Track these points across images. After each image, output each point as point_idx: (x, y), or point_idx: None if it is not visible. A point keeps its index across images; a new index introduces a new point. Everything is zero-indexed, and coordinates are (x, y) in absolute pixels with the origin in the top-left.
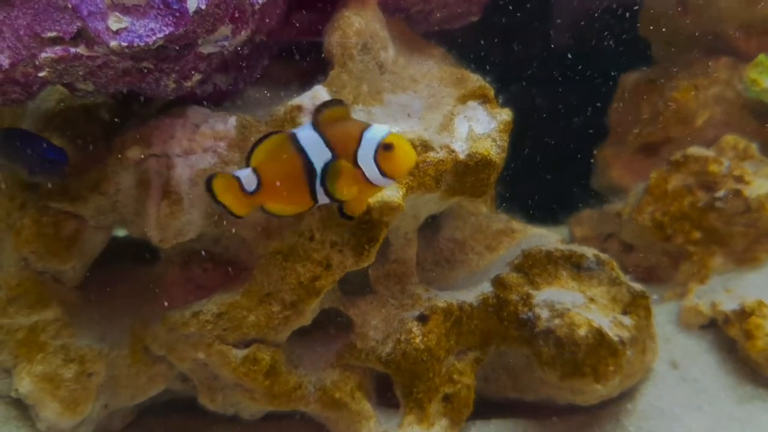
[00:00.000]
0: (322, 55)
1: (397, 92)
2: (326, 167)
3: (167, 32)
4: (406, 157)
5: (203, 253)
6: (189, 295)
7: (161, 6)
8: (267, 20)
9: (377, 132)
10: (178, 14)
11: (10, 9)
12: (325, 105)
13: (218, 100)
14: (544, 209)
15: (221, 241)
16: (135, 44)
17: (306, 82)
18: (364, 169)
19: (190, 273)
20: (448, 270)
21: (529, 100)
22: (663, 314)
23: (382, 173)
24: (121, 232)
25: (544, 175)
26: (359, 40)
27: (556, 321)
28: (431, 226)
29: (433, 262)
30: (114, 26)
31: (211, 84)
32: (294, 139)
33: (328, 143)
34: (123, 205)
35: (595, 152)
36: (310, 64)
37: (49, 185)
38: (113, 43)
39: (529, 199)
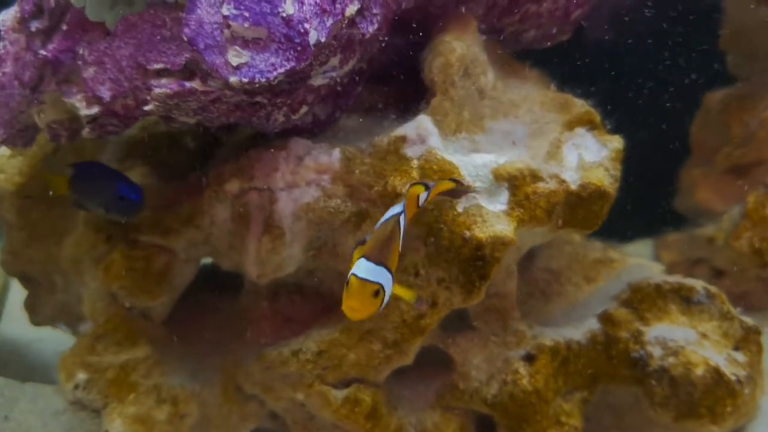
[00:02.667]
0: (413, 80)
1: (498, 118)
2: None
3: (288, 67)
4: (351, 304)
5: (293, 285)
6: (277, 328)
7: (282, 40)
8: (369, 48)
9: (363, 268)
10: (299, 48)
11: (111, 39)
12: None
13: (316, 131)
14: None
15: (316, 274)
16: (256, 80)
17: (400, 108)
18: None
19: (277, 305)
20: (543, 303)
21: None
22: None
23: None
24: None
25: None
26: (461, 66)
27: (671, 359)
28: (524, 255)
29: (526, 294)
30: (234, 61)
31: (311, 114)
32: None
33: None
34: (216, 238)
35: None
36: (396, 89)
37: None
38: (233, 79)
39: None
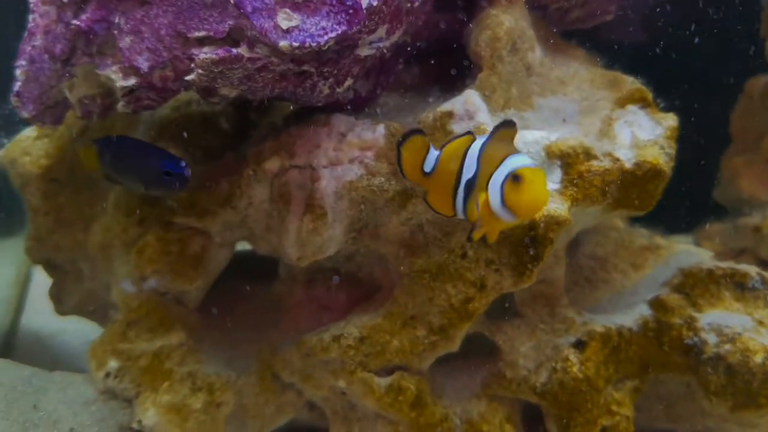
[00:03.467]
0: (454, 57)
1: (547, 95)
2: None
3: (339, 31)
4: (532, 194)
5: (330, 270)
6: (314, 316)
7: (334, 2)
8: (415, 20)
9: (517, 160)
10: (351, 11)
11: (148, 7)
12: (502, 125)
13: (358, 107)
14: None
15: (355, 258)
16: (307, 44)
17: (444, 88)
18: (490, 196)
19: (314, 292)
20: (589, 290)
21: None
22: None
23: (504, 204)
24: None
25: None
26: (509, 40)
27: (727, 347)
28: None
29: (571, 282)
30: (284, 24)
31: (352, 90)
32: (467, 146)
33: (479, 160)
34: (253, 220)
35: (720, 161)
36: (435, 68)
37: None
38: (283, 43)
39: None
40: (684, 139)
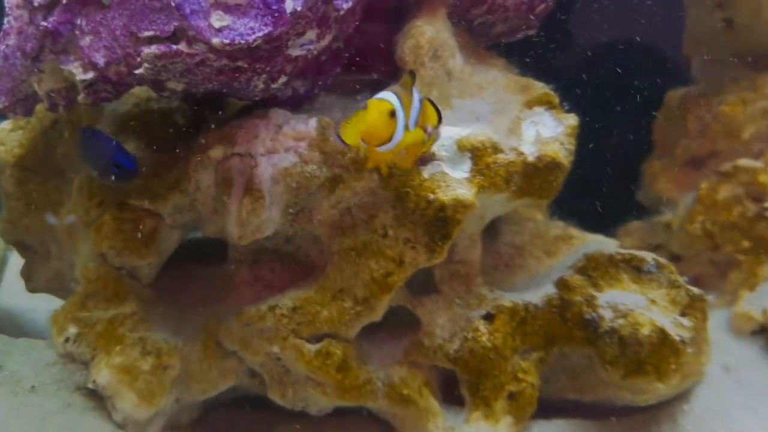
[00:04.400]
0: (388, 64)
1: (465, 98)
2: None
3: (266, 31)
4: (366, 119)
5: (273, 252)
6: (258, 293)
7: (261, 6)
8: (345, 27)
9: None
10: (276, 14)
11: (106, 11)
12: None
13: (296, 104)
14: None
15: (294, 240)
16: (236, 42)
17: (375, 89)
18: None
19: (258, 272)
20: (508, 274)
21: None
22: (713, 321)
23: None
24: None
25: (591, 189)
26: (431, 48)
27: (620, 321)
28: (490, 231)
29: (492, 267)
30: (216, 24)
31: (290, 88)
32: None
33: None
34: (201, 203)
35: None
36: (377, 71)
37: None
38: (215, 40)
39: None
40: (614, 146)
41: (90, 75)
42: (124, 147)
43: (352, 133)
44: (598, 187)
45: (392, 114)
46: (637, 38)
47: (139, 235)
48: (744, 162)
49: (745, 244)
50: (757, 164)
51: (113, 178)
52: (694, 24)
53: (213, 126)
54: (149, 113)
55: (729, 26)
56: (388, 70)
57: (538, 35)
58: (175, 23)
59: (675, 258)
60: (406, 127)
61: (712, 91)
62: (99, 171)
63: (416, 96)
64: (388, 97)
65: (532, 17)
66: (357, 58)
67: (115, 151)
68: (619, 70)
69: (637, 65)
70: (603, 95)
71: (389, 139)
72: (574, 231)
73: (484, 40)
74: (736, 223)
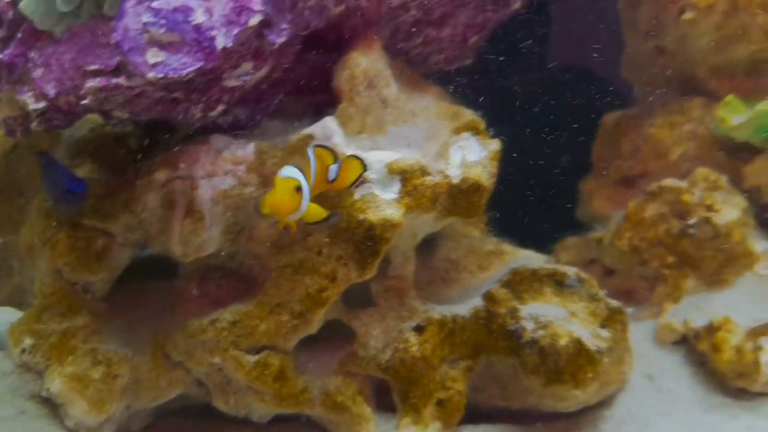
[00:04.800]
0: (332, 91)
1: (399, 124)
2: None
3: (197, 66)
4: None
5: (219, 269)
6: (204, 308)
7: (193, 43)
8: (283, 58)
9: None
10: (207, 51)
11: (57, 45)
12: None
13: (238, 130)
14: (534, 238)
15: (236, 257)
16: (169, 76)
17: (316, 115)
18: None
19: (206, 288)
20: (443, 288)
21: (522, 141)
22: (640, 332)
23: None
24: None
25: (534, 207)
26: (365, 78)
27: (540, 332)
28: (428, 247)
29: (429, 281)
30: (151, 60)
31: (232, 115)
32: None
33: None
34: (149, 223)
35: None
36: (320, 99)
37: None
38: (150, 75)
39: (520, 229)
40: (559, 166)
41: (42, 104)
42: (74, 173)
43: (266, 205)
44: (542, 205)
45: (298, 189)
46: (584, 63)
47: (92, 253)
48: (669, 182)
49: (671, 259)
50: (682, 184)
51: (66, 206)
52: (631, 50)
53: (163, 149)
54: (104, 137)
55: (660, 53)
56: (330, 97)
57: (487, 60)
58: (118, 58)
59: (609, 272)
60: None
61: (645, 114)
62: (51, 198)
63: (312, 158)
64: (292, 173)
65: (466, 48)
66: (301, 85)
67: (65, 177)
68: (568, 95)
69: (584, 89)
70: (552, 118)
71: (297, 209)
72: (507, 246)
73: (422, 69)
74: (661, 239)
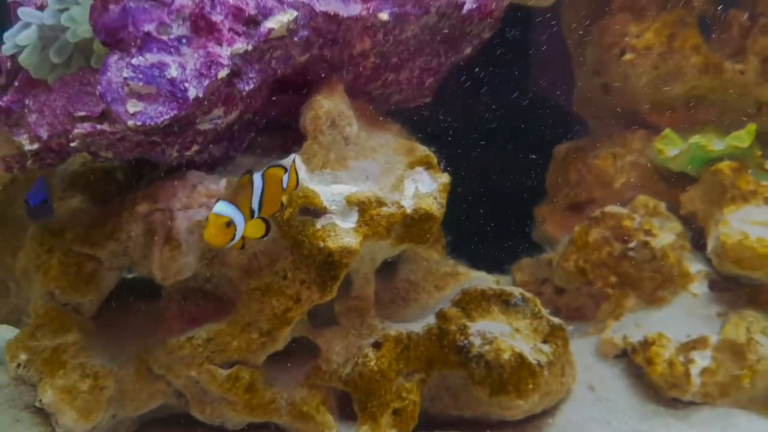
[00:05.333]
0: (299, 128)
1: (359, 159)
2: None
3: (172, 114)
4: (206, 231)
5: (197, 290)
6: (184, 326)
7: (168, 94)
8: (253, 102)
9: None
10: (181, 101)
11: (50, 93)
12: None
13: (212, 166)
14: (494, 259)
15: (211, 281)
16: (147, 123)
17: (286, 151)
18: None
19: (186, 308)
20: (403, 307)
21: (485, 169)
22: (585, 346)
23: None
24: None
25: (493, 230)
26: (328, 118)
27: (486, 347)
28: (390, 269)
29: (390, 300)
30: (131, 110)
31: (207, 153)
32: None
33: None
34: (133, 249)
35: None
36: (290, 136)
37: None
38: (130, 123)
39: (479, 250)
40: (517, 193)
41: (36, 146)
42: (41, 191)
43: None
44: (502, 228)
45: (229, 224)
46: (545, 98)
47: (82, 277)
48: (611, 208)
49: (613, 279)
50: (623, 210)
51: (31, 217)
52: (581, 87)
53: (146, 182)
54: (93, 171)
55: (605, 90)
56: (299, 134)
57: (451, 96)
58: (103, 105)
59: (560, 291)
60: (252, 213)
61: (591, 145)
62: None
63: (257, 184)
64: (222, 210)
65: (424, 89)
66: (271, 124)
67: (32, 193)
68: (528, 130)
69: (544, 123)
70: (512, 148)
71: (229, 241)
72: (462, 268)
73: (384, 107)
74: (604, 261)
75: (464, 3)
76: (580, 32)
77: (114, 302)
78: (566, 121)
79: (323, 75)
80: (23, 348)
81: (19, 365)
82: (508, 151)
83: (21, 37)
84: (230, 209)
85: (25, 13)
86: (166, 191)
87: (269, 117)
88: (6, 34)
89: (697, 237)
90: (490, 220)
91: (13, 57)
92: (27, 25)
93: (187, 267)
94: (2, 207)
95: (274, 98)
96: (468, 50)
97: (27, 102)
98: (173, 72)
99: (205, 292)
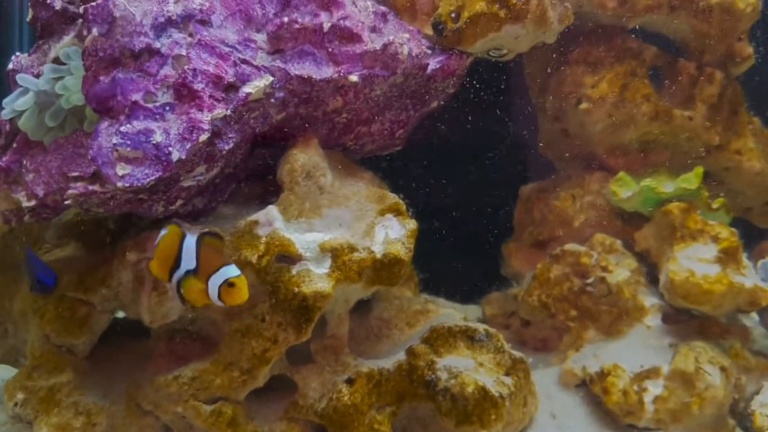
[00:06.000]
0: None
1: (333, 207)
2: (186, 274)
3: (157, 176)
4: (239, 296)
5: (183, 331)
6: (172, 364)
7: (153, 158)
8: (233, 158)
9: (231, 271)
10: (165, 163)
11: (45, 154)
12: (209, 234)
13: (196, 216)
14: (466, 292)
15: (196, 323)
16: (134, 185)
17: (264, 200)
18: (210, 289)
19: (173, 347)
20: (376, 343)
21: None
22: (549, 376)
23: (219, 297)
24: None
25: (465, 265)
26: (303, 170)
27: (452, 381)
28: (364, 307)
29: (365, 337)
30: (120, 172)
31: (191, 205)
32: (182, 238)
33: (198, 257)
34: (123, 295)
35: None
36: (269, 185)
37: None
38: (119, 184)
39: (451, 284)
40: (486, 231)
41: (32, 203)
42: (47, 266)
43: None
44: (473, 264)
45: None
46: (516, 143)
47: (75, 320)
48: (570, 246)
49: (573, 313)
50: (581, 248)
51: (38, 292)
52: (543, 131)
53: (135, 231)
54: (87, 222)
55: (565, 135)
56: (277, 183)
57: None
58: (94, 167)
59: (526, 323)
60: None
61: (552, 187)
62: (30, 284)
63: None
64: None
65: (395, 139)
66: (250, 175)
67: (38, 270)
68: (498, 172)
69: (514, 166)
70: (480, 189)
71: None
72: (432, 305)
73: (358, 155)
74: (565, 295)
75: (428, 64)
76: (540, 82)
77: (105, 342)
78: (537, 161)
79: (299, 130)
80: (20, 387)
81: (16, 404)
82: (480, 191)
83: (19, 102)
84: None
85: (23, 79)
86: (153, 241)
87: (249, 169)
88: (5, 100)
89: (651, 272)
90: (462, 257)
91: (11, 121)
92: (25, 91)
93: (173, 311)
94: (1, 254)
95: (254, 152)
96: (435, 104)
97: (24, 162)
98: (158, 137)
99: (191, 332)
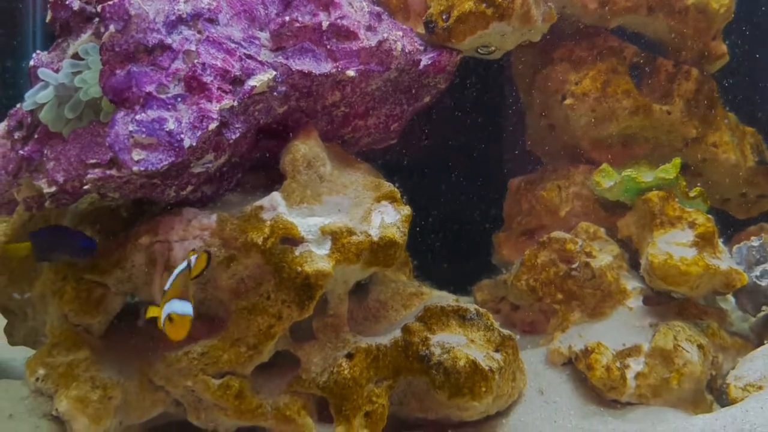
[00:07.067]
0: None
1: (333, 194)
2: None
3: (170, 161)
4: (176, 332)
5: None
6: (181, 343)
7: (166, 144)
8: (239, 147)
9: (176, 306)
10: (177, 149)
11: (65, 144)
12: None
13: (205, 203)
14: (459, 280)
15: (205, 302)
16: (149, 169)
17: (269, 188)
18: (162, 316)
19: None
20: (374, 323)
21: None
22: (537, 356)
23: (164, 326)
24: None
25: (459, 253)
26: (305, 160)
27: (445, 356)
28: (363, 290)
29: (363, 318)
30: (136, 158)
31: (200, 192)
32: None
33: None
34: (136, 277)
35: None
36: (272, 174)
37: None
38: (135, 168)
39: (446, 272)
40: (476, 222)
41: (53, 189)
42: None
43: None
44: (466, 253)
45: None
46: (504, 137)
47: (92, 301)
48: (556, 234)
49: (559, 296)
50: (566, 236)
51: (82, 256)
52: (530, 127)
53: (147, 217)
54: (102, 209)
55: (551, 129)
56: (280, 172)
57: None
58: (111, 154)
59: (515, 307)
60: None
61: (539, 179)
62: (70, 254)
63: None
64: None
65: (390, 132)
66: (255, 165)
67: (80, 237)
68: (489, 165)
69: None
70: (473, 181)
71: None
72: (425, 288)
73: (354, 149)
74: (552, 280)
75: (420, 60)
76: (527, 80)
77: (119, 324)
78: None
79: (300, 122)
80: (41, 364)
81: (37, 379)
82: (473, 184)
83: (40, 96)
84: (181, 306)
85: (43, 73)
86: (164, 225)
87: (254, 159)
88: (27, 94)
89: (633, 258)
90: (455, 246)
91: (32, 113)
92: (45, 85)
93: None
94: (21, 241)
95: (258, 143)
96: (427, 98)
97: (45, 151)
98: (171, 125)
99: (200, 312)
